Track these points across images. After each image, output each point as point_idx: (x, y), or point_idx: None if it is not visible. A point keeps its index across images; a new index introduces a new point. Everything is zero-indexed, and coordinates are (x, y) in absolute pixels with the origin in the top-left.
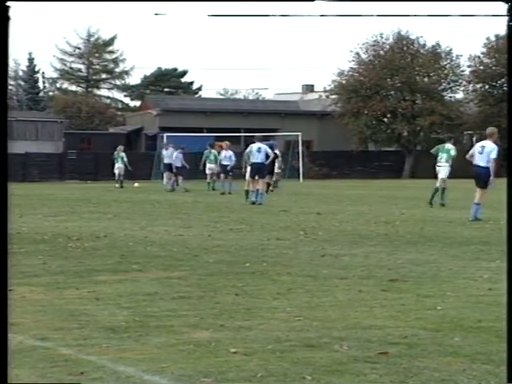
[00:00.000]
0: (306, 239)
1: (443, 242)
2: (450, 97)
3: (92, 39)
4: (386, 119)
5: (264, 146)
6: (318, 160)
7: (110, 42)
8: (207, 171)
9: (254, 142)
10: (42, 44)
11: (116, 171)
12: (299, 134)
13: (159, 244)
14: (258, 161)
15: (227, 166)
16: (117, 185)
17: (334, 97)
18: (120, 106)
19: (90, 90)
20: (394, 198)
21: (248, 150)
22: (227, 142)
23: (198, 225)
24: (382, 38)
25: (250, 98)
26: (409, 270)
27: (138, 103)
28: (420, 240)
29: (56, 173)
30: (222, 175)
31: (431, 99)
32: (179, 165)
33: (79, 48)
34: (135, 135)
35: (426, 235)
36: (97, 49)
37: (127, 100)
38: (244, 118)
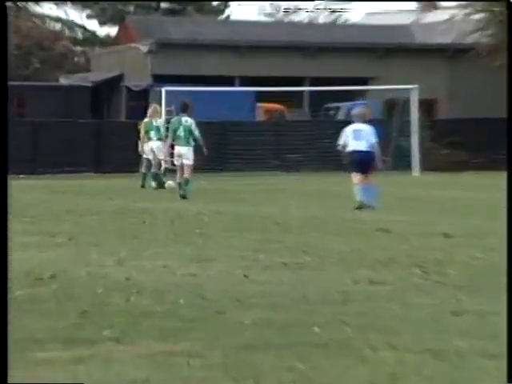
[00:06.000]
0: (425, 283)
1: None
2: None
3: None
4: None
5: None
6: (446, 136)
7: None
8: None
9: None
10: None
11: (147, 155)
12: (413, 87)
13: (152, 291)
14: None
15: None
16: (153, 183)
17: (479, 16)
18: (79, 34)
19: (20, 4)
20: None
21: None
22: None
23: (224, 255)
24: None
25: (321, 21)
26: None
27: (113, 30)
28: None
29: None
30: None
31: None
32: None
33: None
34: (108, 90)
35: None
36: None
37: (93, 24)
38: (311, 60)
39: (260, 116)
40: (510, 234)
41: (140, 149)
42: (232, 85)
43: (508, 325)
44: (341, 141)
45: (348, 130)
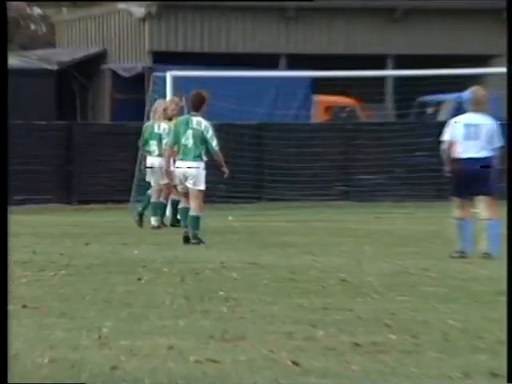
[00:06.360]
0: None
1: None
2: None
3: None
4: None
5: None
6: None
7: None
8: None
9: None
10: None
11: (148, 178)
12: None
13: None
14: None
15: None
16: (153, 220)
17: None
18: None
19: None
20: None
21: None
22: None
23: (262, 331)
24: None
25: None
26: None
27: None
28: None
29: None
30: None
31: None
32: None
33: None
34: (83, 76)
35: None
36: None
37: None
38: (395, 28)
39: (318, 115)
40: (509, 234)
41: (141, 167)
42: (275, 67)
43: (508, 324)
44: (446, 136)
45: (457, 123)
